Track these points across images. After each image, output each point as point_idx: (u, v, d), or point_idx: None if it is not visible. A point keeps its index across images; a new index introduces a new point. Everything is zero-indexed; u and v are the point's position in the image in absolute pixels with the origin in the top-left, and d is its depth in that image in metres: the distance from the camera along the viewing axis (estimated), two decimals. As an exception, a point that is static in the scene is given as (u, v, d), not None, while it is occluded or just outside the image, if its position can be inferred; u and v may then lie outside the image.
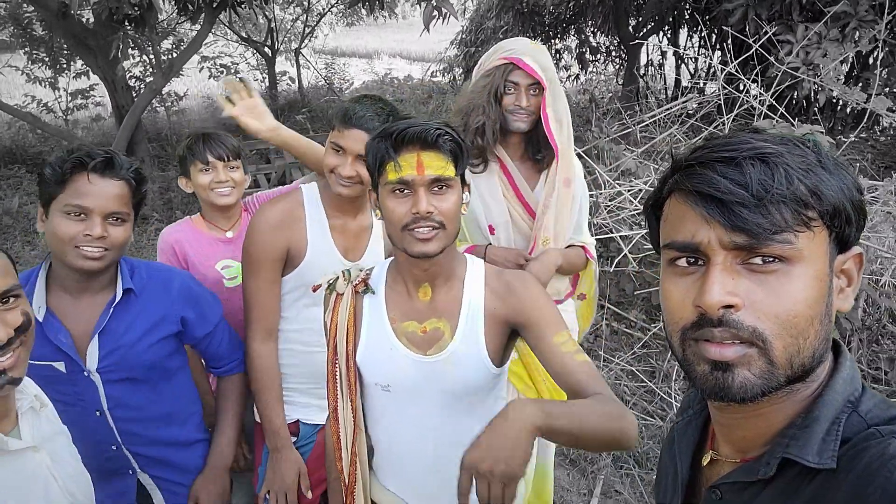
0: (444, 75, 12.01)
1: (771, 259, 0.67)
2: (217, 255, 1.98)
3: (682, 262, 0.72)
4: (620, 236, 3.52)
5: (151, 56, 7.24)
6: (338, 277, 1.40)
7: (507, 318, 1.32)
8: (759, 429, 0.74)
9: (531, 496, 2.05)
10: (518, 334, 1.34)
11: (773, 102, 3.80)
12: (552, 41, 9.88)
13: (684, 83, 7.24)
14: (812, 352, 0.68)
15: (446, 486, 1.32)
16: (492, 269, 1.39)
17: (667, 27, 8.08)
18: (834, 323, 0.74)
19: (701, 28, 6.50)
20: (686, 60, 7.88)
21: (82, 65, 7.81)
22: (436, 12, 4.35)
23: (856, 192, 0.70)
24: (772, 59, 4.10)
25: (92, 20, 6.64)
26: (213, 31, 7.06)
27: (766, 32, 4.24)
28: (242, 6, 6.51)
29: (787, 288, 0.67)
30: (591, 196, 3.25)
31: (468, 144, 1.65)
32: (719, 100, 4.17)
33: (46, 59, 8.18)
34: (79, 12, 6.50)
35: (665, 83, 8.79)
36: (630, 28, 8.08)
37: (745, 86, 4.46)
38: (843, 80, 4.39)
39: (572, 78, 9.89)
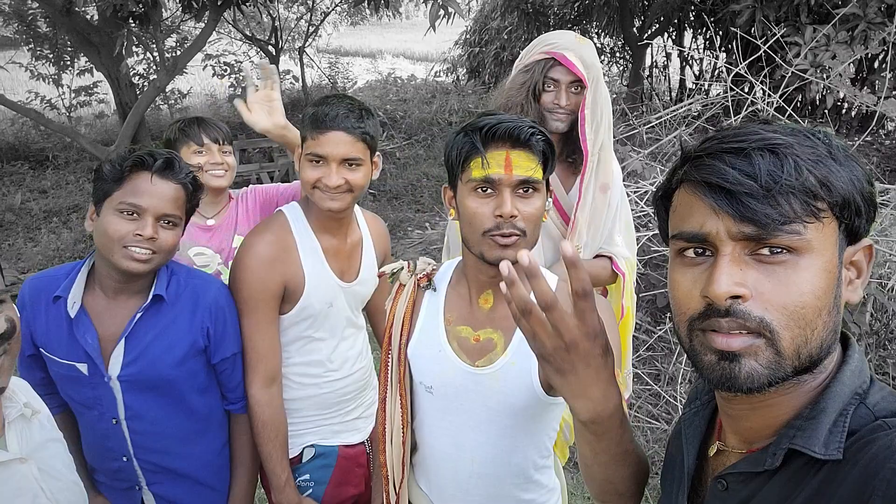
0: (447, 75, 12.01)
1: (779, 250, 0.67)
2: (192, 241, 1.94)
3: (691, 252, 0.72)
4: (626, 238, 3.49)
5: (155, 53, 7.23)
6: (402, 267, 1.35)
7: None
8: (766, 420, 0.74)
9: None
10: None
11: (783, 104, 3.78)
12: (557, 42, 9.87)
13: (689, 85, 7.22)
14: (820, 343, 0.68)
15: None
16: (564, 287, 1.27)
17: (672, 28, 8.06)
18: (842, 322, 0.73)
19: (706, 29, 6.49)
20: (691, 62, 7.86)
21: (86, 62, 7.82)
22: (442, 11, 4.33)
23: (866, 184, 0.69)
24: (779, 60, 4.07)
25: (96, 17, 6.63)
26: (217, 29, 7.05)
27: (773, 34, 4.22)
28: (247, 4, 6.50)
29: (795, 279, 0.66)
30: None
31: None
32: (726, 101, 4.15)
33: (50, 55, 8.18)
34: (83, 9, 6.49)
35: (669, 84, 8.77)
36: (635, 29, 8.06)
37: (752, 87, 4.43)
38: (850, 83, 4.36)
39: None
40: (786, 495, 0.69)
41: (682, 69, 8.08)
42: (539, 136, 1.13)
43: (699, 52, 7.56)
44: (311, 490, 1.65)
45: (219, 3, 5.83)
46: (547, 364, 0.80)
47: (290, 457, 1.63)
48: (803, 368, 0.69)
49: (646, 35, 7.74)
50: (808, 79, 4.08)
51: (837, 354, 0.74)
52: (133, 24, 6.21)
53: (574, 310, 0.76)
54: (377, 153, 1.55)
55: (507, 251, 1.13)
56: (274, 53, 10.20)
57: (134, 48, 6.73)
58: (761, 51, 3.89)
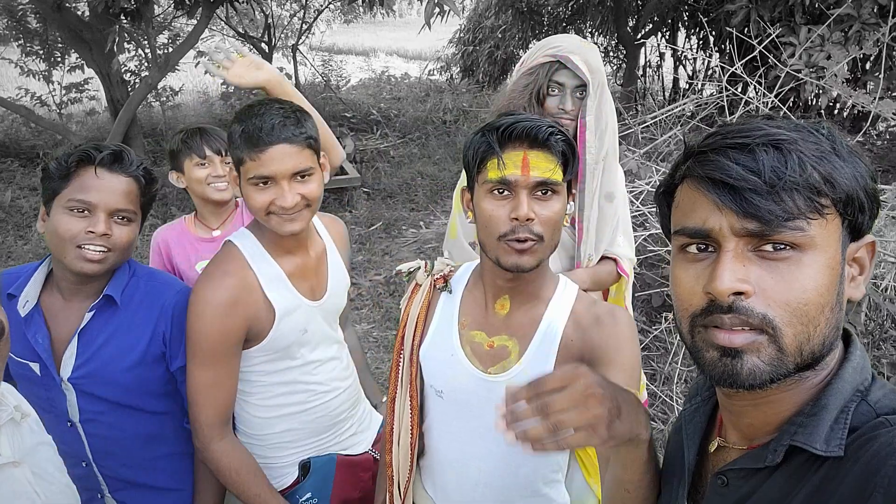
0: (441, 74, 11.98)
1: (782, 246, 0.67)
2: (198, 256, 1.91)
3: (693, 248, 0.72)
4: (622, 237, 3.49)
5: (147, 50, 7.17)
6: (419, 267, 1.32)
7: (582, 352, 1.17)
8: (767, 416, 0.74)
9: None
10: None
11: (778, 103, 3.78)
12: (551, 41, 9.87)
13: (683, 84, 7.24)
14: (822, 340, 0.68)
15: None
16: (585, 297, 1.25)
17: (666, 28, 8.07)
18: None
19: (701, 29, 6.50)
20: (685, 62, 7.87)
21: (77, 58, 7.74)
22: (437, 8, 4.31)
23: (869, 181, 0.69)
24: (772, 59, 4.08)
25: (87, 13, 6.57)
26: (209, 26, 7.01)
27: (768, 34, 4.22)
28: (240, 1, 6.46)
29: (798, 275, 0.66)
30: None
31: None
32: (721, 101, 4.16)
33: (41, 51, 8.09)
34: (74, 5, 6.43)
35: (663, 84, 8.78)
36: (629, 28, 8.06)
37: (746, 87, 4.44)
38: (844, 83, 4.38)
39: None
40: (786, 492, 0.69)
41: (676, 69, 8.10)
42: (559, 137, 1.09)
43: (693, 52, 7.58)
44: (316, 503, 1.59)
45: (211, 0, 5.79)
46: (611, 425, 0.75)
47: (288, 483, 1.55)
48: (805, 365, 0.69)
49: (640, 34, 7.74)
50: (802, 79, 4.09)
51: (839, 351, 0.74)
52: (125, 21, 6.16)
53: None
54: (322, 153, 1.42)
55: (524, 258, 1.10)
56: (267, 51, 10.14)
57: (126, 45, 6.67)
58: (756, 51, 3.89)
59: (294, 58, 10.99)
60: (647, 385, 3.18)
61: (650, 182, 3.72)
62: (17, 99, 7.86)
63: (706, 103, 4.86)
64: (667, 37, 8.28)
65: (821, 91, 4.23)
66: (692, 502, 0.85)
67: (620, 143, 4.54)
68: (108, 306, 1.36)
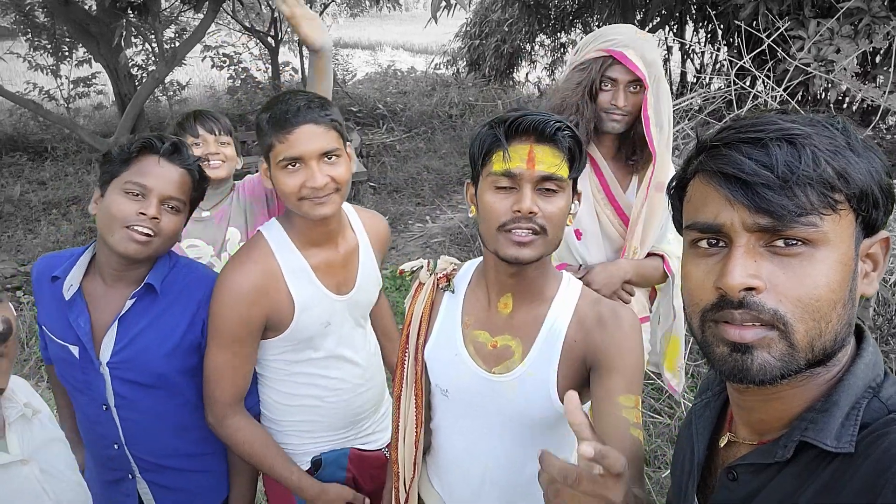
0: (447, 68, 11.96)
1: (795, 242, 0.66)
2: (184, 234, 1.91)
3: (704, 243, 0.72)
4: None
5: (154, 45, 7.17)
6: (422, 266, 1.32)
7: (585, 353, 1.16)
8: (778, 412, 0.74)
9: None
10: None
11: (787, 98, 3.76)
12: (557, 35, 9.83)
13: (690, 78, 7.20)
14: (834, 336, 0.68)
15: None
16: (590, 295, 1.22)
17: (673, 21, 8.03)
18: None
19: (709, 23, 6.46)
20: (693, 55, 7.83)
21: (84, 52, 7.77)
22: (443, 2, 4.30)
23: (884, 176, 0.68)
24: (781, 53, 4.05)
25: (95, 7, 6.58)
26: (216, 20, 7.01)
27: (777, 28, 4.19)
28: (247, -5, 6.45)
29: (810, 271, 0.66)
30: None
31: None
32: (729, 95, 4.13)
33: (48, 46, 8.12)
34: (82, -1, 6.44)
35: (671, 78, 8.74)
36: (637, 22, 8.02)
37: (754, 81, 4.41)
38: (854, 77, 4.34)
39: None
40: (796, 487, 0.69)
41: (684, 62, 8.05)
42: (566, 132, 1.08)
43: (701, 46, 7.53)
44: None
45: (218, -6, 5.79)
46: None
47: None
48: (816, 361, 0.68)
49: (647, 28, 7.70)
50: (811, 73, 4.06)
51: (852, 347, 0.73)
52: (132, 15, 6.17)
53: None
54: (348, 143, 1.44)
55: (523, 250, 1.09)
56: (273, 45, 10.13)
57: (133, 39, 6.68)
58: (765, 44, 3.87)
59: (300, 52, 10.98)
60: (654, 380, 3.19)
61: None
62: (26, 93, 7.89)
63: (714, 97, 4.83)
64: (675, 30, 8.24)
65: (830, 85, 4.20)
66: (701, 497, 0.85)
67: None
68: (148, 294, 1.41)
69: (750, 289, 0.66)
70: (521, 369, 1.18)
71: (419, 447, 1.33)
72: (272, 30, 10.28)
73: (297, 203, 1.35)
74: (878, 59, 5.30)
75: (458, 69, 11.62)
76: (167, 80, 8.42)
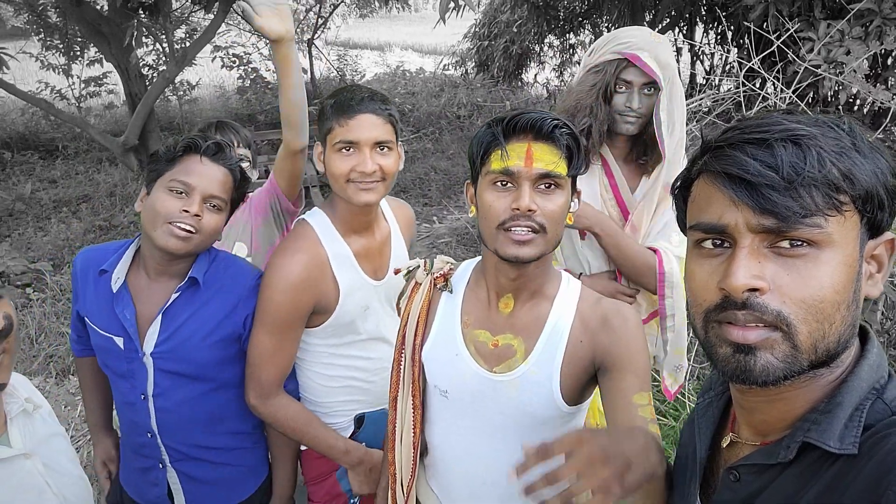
0: (456, 69, 11.96)
1: (799, 243, 0.66)
2: None
3: (708, 243, 0.72)
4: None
5: (165, 45, 7.22)
6: (419, 265, 1.32)
7: (592, 355, 1.15)
8: (781, 413, 0.74)
9: None
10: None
11: (796, 99, 3.74)
12: (566, 36, 9.81)
13: (700, 80, 7.17)
14: (838, 337, 0.67)
15: None
16: (590, 294, 1.22)
17: (683, 23, 8.00)
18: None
19: (718, 24, 6.43)
20: (702, 56, 7.80)
21: (96, 52, 7.82)
22: (452, 3, 4.31)
23: (890, 177, 0.68)
24: (791, 55, 4.03)
25: (106, 8, 6.63)
26: (226, 20, 7.04)
27: (787, 29, 4.17)
28: (256, -5, 6.45)
29: (814, 272, 0.66)
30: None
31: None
32: (738, 97, 4.11)
33: (60, 46, 8.18)
34: (93, -1, 6.49)
35: (680, 79, 8.70)
36: (646, 23, 8.00)
37: (764, 83, 4.39)
38: (864, 79, 4.31)
39: (586, 73, 9.80)
40: (798, 488, 0.69)
41: (693, 64, 8.02)
42: (564, 130, 1.08)
43: (710, 47, 7.50)
44: None
45: (228, -5, 5.82)
46: (623, 480, 0.77)
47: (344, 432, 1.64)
48: (820, 362, 0.68)
49: (657, 29, 7.67)
50: (821, 74, 4.04)
51: (855, 349, 0.73)
52: (143, 15, 6.22)
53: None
54: (400, 143, 1.52)
55: (523, 249, 1.08)
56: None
57: (144, 39, 6.73)
58: (774, 46, 3.85)
59: (310, 52, 11.03)
60: (658, 382, 3.18)
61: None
62: (38, 92, 7.95)
63: (723, 99, 4.81)
64: (684, 31, 8.20)
65: (840, 87, 4.17)
66: (703, 497, 0.85)
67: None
68: (191, 287, 1.46)
69: (754, 290, 0.66)
70: (523, 368, 1.18)
71: (417, 448, 1.32)
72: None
73: (343, 185, 1.42)
74: (889, 60, 5.26)
75: (466, 70, 11.62)
76: (177, 79, 8.46)
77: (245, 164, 1.96)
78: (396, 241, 1.65)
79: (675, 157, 1.74)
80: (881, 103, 4.09)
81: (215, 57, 9.88)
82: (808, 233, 0.65)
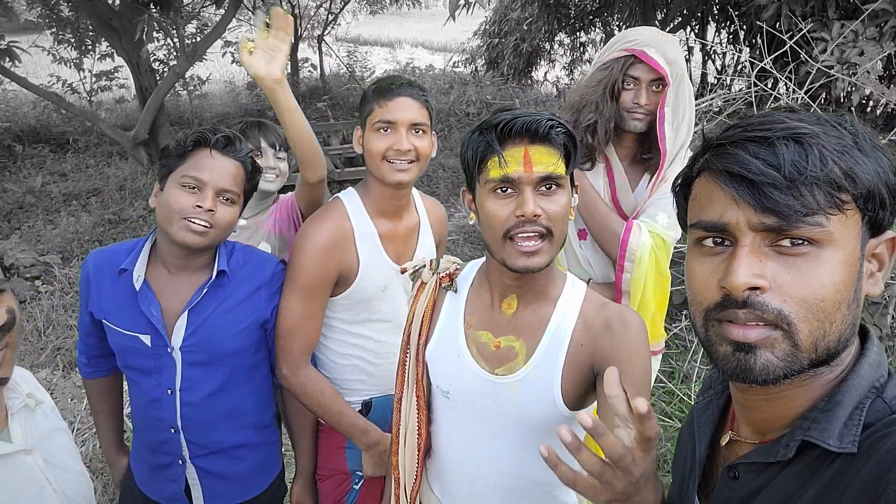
0: (466, 66, 11.94)
1: (800, 241, 0.66)
2: None
3: (709, 241, 0.72)
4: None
5: (175, 39, 7.25)
6: (425, 265, 1.31)
7: (592, 359, 1.13)
8: (780, 411, 0.74)
9: None
10: None
11: (808, 101, 3.71)
12: (577, 34, 9.77)
13: (711, 79, 7.12)
14: (838, 336, 0.67)
15: None
16: (594, 297, 1.20)
17: (695, 22, 7.94)
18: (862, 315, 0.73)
19: (730, 23, 6.38)
20: (714, 56, 7.74)
21: (107, 46, 7.86)
22: (462, 0, 4.29)
23: (892, 176, 0.67)
24: (803, 55, 4.00)
25: (118, 2, 6.66)
26: (236, 16, 7.06)
27: (800, 29, 4.13)
28: (267, -9, 6.48)
29: (815, 271, 0.65)
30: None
31: (580, 140, 1.48)
32: (749, 97, 4.08)
33: (72, 40, 8.24)
34: (105, -6, 6.52)
35: (691, 78, 8.65)
36: (657, 22, 7.95)
37: (775, 83, 4.35)
38: (878, 80, 4.26)
39: (596, 71, 9.75)
40: (797, 487, 0.69)
41: (705, 63, 7.96)
42: (559, 129, 1.06)
43: (722, 47, 7.44)
44: None
45: (239, -10, 5.83)
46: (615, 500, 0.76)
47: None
48: (820, 361, 0.68)
49: (668, 28, 7.62)
50: (834, 75, 4.00)
51: (855, 347, 0.73)
52: (154, 10, 6.24)
53: (639, 444, 0.72)
54: (433, 132, 1.60)
55: (533, 259, 1.06)
56: (293, 41, 10.20)
57: (154, 34, 6.76)
58: (786, 46, 3.81)
59: (319, 48, 11.04)
60: (665, 383, 3.16)
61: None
62: (49, 86, 8.02)
63: (734, 98, 4.77)
64: (696, 30, 8.15)
65: (853, 88, 4.13)
66: (702, 496, 0.85)
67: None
68: (216, 279, 1.48)
69: (754, 288, 0.66)
70: (524, 371, 1.16)
71: (423, 451, 1.31)
72: (292, 26, 10.32)
73: (379, 164, 1.50)
74: (903, 62, 5.20)
75: (476, 67, 11.60)
76: (188, 74, 8.50)
77: (283, 166, 1.99)
78: (425, 234, 1.70)
79: (679, 157, 1.73)
80: (895, 104, 4.05)
81: (226, 52, 9.92)
82: (810, 231, 0.65)
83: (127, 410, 2.05)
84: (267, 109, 9.46)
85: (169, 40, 8.04)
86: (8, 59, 5.68)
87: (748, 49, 6.07)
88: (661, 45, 1.67)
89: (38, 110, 9.25)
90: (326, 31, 11.55)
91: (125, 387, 1.61)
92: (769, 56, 3.82)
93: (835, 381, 0.71)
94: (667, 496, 0.91)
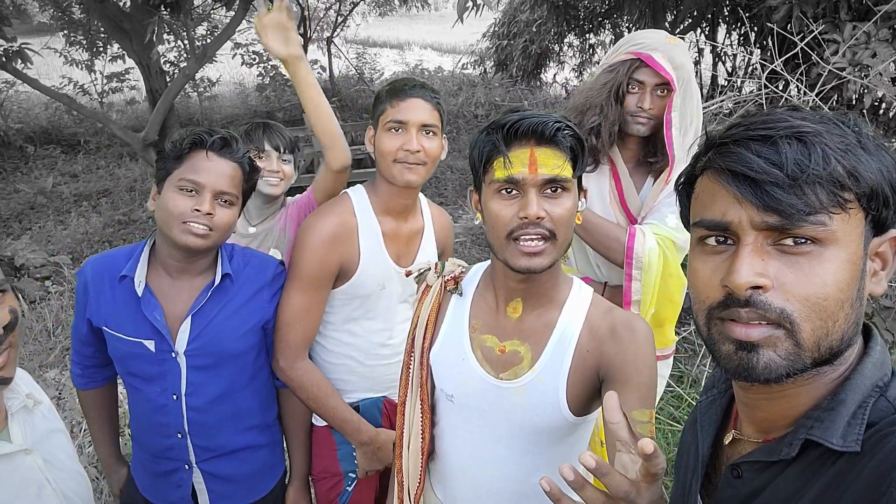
0: (475, 68, 11.94)
1: (803, 240, 0.66)
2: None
3: (712, 240, 0.71)
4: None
5: (186, 41, 7.28)
6: (430, 268, 1.31)
7: (598, 365, 1.12)
8: (783, 410, 0.73)
9: None
10: None
11: (820, 103, 3.67)
12: (586, 36, 9.75)
13: (721, 81, 7.08)
14: (841, 335, 0.67)
15: None
16: (601, 302, 1.19)
17: (705, 23, 7.90)
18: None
19: (741, 25, 6.34)
20: (724, 58, 7.70)
21: (118, 48, 7.91)
22: (470, 2, 4.29)
23: (895, 174, 0.67)
24: (815, 57, 3.96)
25: (129, 4, 6.70)
26: (246, 17, 7.08)
27: (811, 31, 4.10)
28: (276, -7, 6.48)
29: (818, 270, 0.65)
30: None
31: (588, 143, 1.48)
32: (760, 99, 4.05)
33: (83, 41, 8.30)
34: (116, -4, 6.56)
35: (701, 80, 8.60)
36: (667, 23, 7.91)
37: (786, 85, 4.32)
38: (891, 82, 4.22)
39: (606, 73, 9.72)
40: (800, 486, 0.68)
41: (715, 65, 7.92)
42: (567, 132, 1.05)
43: (733, 49, 7.40)
44: None
45: (249, -8, 5.84)
46: None
47: None
48: (823, 360, 0.68)
49: (678, 29, 7.59)
50: (845, 77, 3.96)
51: (859, 346, 0.72)
52: (164, 12, 6.26)
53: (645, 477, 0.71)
54: (444, 135, 1.61)
55: (535, 260, 1.06)
56: (302, 43, 10.22)
57: (165, 36, 6.79)
58: (798, 48, 3.78)
59: (329, 50, 11.07)
60: (673, 388, 3.14)
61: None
62: (61, 87, 8.07)
63: (745, 101, 4.74)
64: (706, 32, 8.10)
65: (865, 90, 4.09)
66: (705, 494, 0.84)
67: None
68: (220, 282, 1.47)
69: (757, 287, 0.66)
70: (529, 376, 1.15)
71: (426, 455, 1.30)
72: (301, 28, 10.37)
73: (390, 164, 1.52)
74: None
75: (485, 69, 11.60)
76: (198, 76, 8.55)
77: (288, 168, 1.95)
78: (428, 239, 1.71)
79: (685, 160, 1.71)
80: (907, 107, 4.00)
81: (235, 54, 9.95)
82: (813, 230, 0.65)
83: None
84: (276, 111, 9.49)
85: (179, 42, 8.08)
86: (20, 60, 5.72)
87: (759, 51, 6.03)
88: (667, 49, 1.66)
89: (50, 112, 9.33)
90: (336, 33, 11.58)
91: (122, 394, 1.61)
92: (780, 58, 3.79)
93: (838, 379, 0.71)
94: (669, 495, 0.90)
